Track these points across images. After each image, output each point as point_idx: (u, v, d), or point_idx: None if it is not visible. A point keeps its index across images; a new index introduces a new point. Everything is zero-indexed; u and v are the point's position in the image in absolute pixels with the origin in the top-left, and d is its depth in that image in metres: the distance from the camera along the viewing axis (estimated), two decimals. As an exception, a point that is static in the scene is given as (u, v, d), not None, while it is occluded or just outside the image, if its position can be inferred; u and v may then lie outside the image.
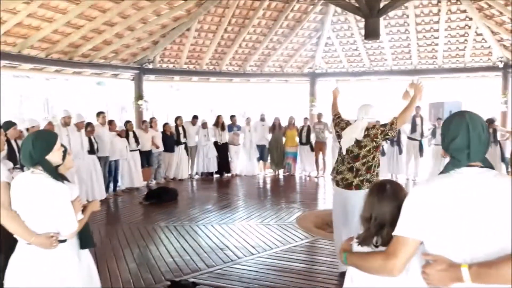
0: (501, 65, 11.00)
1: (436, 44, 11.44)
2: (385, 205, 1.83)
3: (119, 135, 9.00)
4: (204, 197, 8.79)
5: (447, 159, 1.63)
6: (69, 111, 7.75)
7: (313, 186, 10.18)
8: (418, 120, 10.03)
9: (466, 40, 11.02)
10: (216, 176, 11.19)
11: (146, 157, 9.78)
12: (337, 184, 4.10)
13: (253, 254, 5.15)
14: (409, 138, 10.08)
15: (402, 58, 12.35)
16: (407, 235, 1.58)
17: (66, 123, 7.58)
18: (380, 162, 4.24)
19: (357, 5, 6.74)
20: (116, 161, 8.84)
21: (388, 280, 1.70)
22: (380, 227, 1.83)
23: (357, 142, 3.96)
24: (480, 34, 10.65)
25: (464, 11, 10.20)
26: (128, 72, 11.20)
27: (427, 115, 16.25)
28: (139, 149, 9.51)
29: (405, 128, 9.86)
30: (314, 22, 11.74)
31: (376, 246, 1.83)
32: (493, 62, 11.18)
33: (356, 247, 1.91)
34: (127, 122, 9.66)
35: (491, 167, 1.58)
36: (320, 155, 11.07)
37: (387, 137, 3.98)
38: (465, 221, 1.49)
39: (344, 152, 4.06)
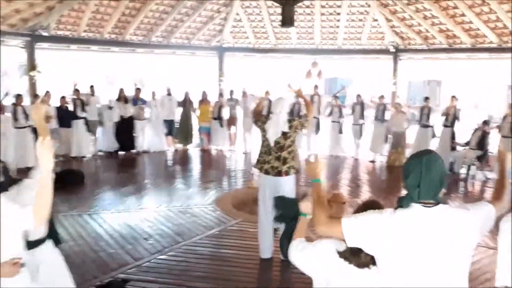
0: (392, 49, 12.10)
1: (337, 27, 12.13)
2: None
3: None
4: (111, 179, 8.39)
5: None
6: None
7: (225, 162, 10.39)
8: (315, 98, 10.85)
9: (363, 24, 11.86)
10: (121, 153, 10.73)
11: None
12: (267, 173, 4.43)
13: (179, 242, 5.14)
14: None
15: (306, 38, 12.86)
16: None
17: None
18: None
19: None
20: None
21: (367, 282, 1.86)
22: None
23: (284, 134, 4.35)
24: (376, 20, 11.54)
25: (364, -2, 10.93)
26: (17, 39, 9.98)
27: (323, 90, 17.34)
28: (30, 126, 8.63)
29: None
30: (223, -3, 11.57)
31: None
32: (386, 46, 12.25)
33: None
34: (18, 96, 8.77)
35: (444, 202, 1.74)
36: (232, 129, 11.59)
37: (304, 127, 4.57)
38: (419, 253, 1.67)
39: (272, 143, 4.37)
